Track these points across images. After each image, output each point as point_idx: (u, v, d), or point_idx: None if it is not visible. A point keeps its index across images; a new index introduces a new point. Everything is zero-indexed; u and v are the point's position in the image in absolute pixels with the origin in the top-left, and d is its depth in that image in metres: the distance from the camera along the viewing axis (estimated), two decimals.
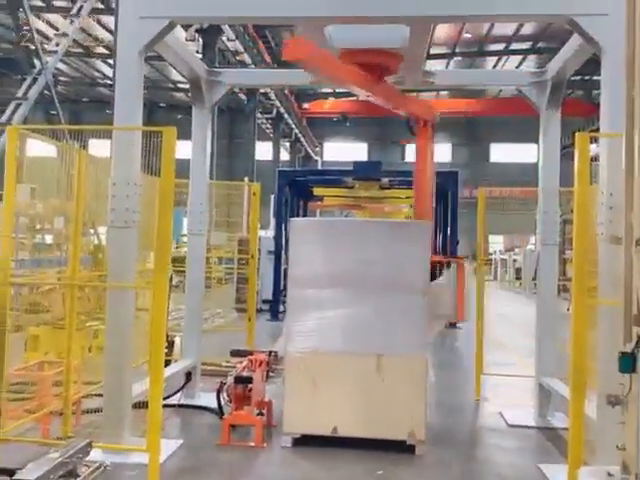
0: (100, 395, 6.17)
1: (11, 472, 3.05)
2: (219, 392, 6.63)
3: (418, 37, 6.14)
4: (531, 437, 6.75)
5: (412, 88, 29.53)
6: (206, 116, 7.91)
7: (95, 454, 4.67)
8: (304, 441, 6.06)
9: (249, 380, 6.30)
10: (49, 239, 13.26)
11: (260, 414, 6.44)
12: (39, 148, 7.92)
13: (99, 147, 9.60)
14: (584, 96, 32.69)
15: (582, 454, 4.81)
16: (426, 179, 7.51)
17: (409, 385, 6.04)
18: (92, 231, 10.94)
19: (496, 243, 37.53)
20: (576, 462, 4.77)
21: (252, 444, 6.10)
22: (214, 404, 6.78)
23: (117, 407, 5.68)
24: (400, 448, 5.92)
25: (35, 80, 14.23)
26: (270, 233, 19.23)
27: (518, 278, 28.97)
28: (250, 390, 6.29)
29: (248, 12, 6.01)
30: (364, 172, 16.48)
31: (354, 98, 35.07)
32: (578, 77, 28.67)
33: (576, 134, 4.99)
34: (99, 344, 8.05)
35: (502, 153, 45.09)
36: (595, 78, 28.31)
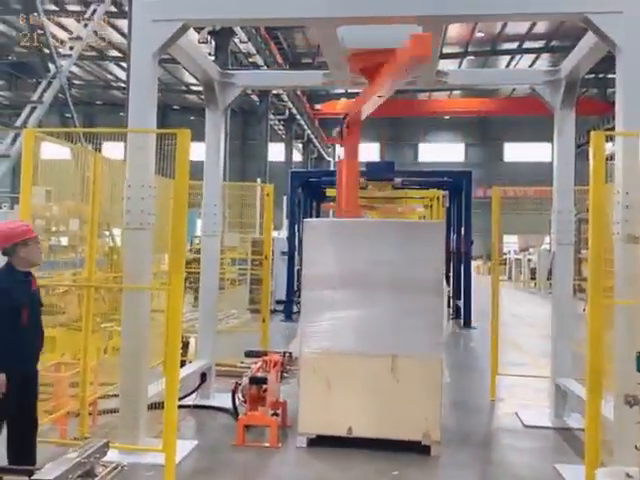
0: (116, 395, 6.21)
1: (30, 472, 3.08)
2: (234, 393, 6.66)
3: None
4: (547, 438, 6.71)
5: (425, 88, 29.53)
6: (219, 118, 7.93)
7: (111, 454, 4.70)
8: (319, 441, 6.07)
9: (264, 381, 6.31)
10: (64, 241, 13.33)
11: (275, 414, 6.45)
12: (54, 151, 7.98)
13: (113, 149, 9.64)
14: (599, 94, 32.48)
15: (599, 455, 4.77)
16: (355, 177, 7.82)
17: (424, 386, 6.02)
18: (107, 233, 11.00)
19: (510, 243, 37.34)
20: (593, 463, 4.73)
21: (267, 445, 6.12)
22: (229, 405, 6.80)
23: (133, 408, 5.71)
24: (415, 449, 5.91)
25: (50, 84, 14.35)
26: (283, 234, 19.29)
27: (533, 278, 28.77)
28: (265, 391, 6.30)
29: (260, 14, 6.03)
30: (377, 173, 16.44)
31: None
32: (592, 75, 28.50)
33: (591, 132, 4.96)
34: (115, 345, 8.10)
35: (516, 152, 44.85)
36: (610, 76, 28.11)
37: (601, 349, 4.83)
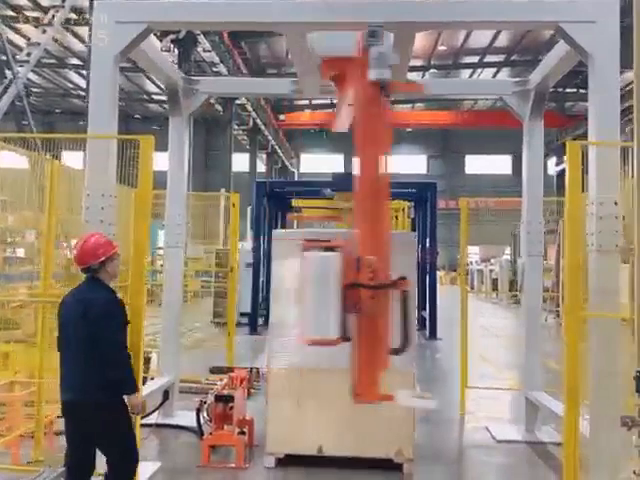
0: None
1: None
2: (199, 411, 6.39)
3: (402, 44, 5.99)
4: (520, 453, 6.57)
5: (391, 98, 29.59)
6: (183, 125, 7.69)
7: None
8: (288, 461, 5.84)
9: (230, 399, 6.06)
10: (21, 253, 12.88)
11: (241, 433, 6.20)
12: (11, 160, 7.65)
13: (72, 159, 9.31)
14: (557, 108, 33.07)
15: (578, 474, 4.65)
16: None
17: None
18: (65, 244, 10.61)
19: (472, 254, 37.61)
20: None
21: (233, 465, 5.87)
22: (193, 423, 6.52)
23: None
24: (388, 467, 5.73)
25: (6, 90, 13.90)
26: (247, 245, 19.01)
27: (495, 289, 29.04)
28: (231, 409, 6.05)
29: (226, 17, 5.81)
30: (343, 184, 16.31)
31: (331, 110, 35.05)
32: (552, 89, 28.97)
33: (567, 143, 4.88)
34: None
35: (477, 164, 45.33)
36: (568, 90, 28.67)
37: (578, 364, 4.73)
